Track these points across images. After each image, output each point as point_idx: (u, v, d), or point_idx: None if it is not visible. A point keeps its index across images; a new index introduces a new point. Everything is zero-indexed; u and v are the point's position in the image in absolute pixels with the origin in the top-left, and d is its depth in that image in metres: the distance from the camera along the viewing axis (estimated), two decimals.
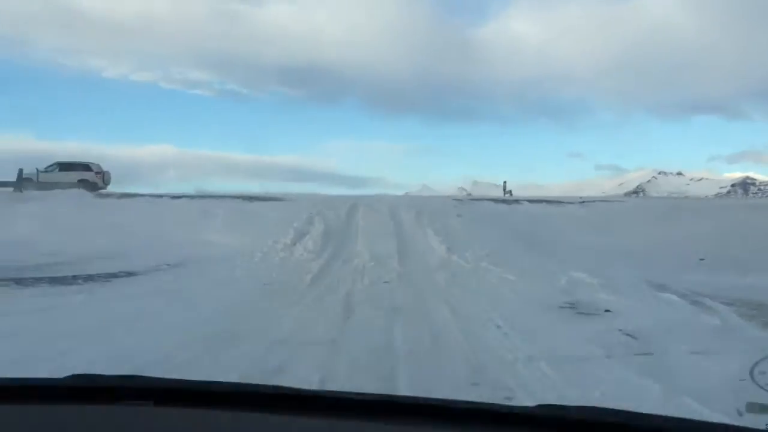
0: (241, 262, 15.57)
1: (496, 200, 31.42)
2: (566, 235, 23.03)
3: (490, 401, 1.78)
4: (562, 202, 30.97)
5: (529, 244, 19.66)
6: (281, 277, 13.41)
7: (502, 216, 26.02)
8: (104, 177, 33.89)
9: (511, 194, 39.97)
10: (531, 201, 30.66)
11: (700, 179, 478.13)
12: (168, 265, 15.34)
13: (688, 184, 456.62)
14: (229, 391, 1.68)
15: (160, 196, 31.07)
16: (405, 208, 24.38)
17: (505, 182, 43.79)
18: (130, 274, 13.85)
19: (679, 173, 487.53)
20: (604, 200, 32.26)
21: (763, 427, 2.09)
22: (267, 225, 21.62)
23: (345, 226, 21.31)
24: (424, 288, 12.31)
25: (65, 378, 1.60)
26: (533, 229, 23.29)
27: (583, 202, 31.12)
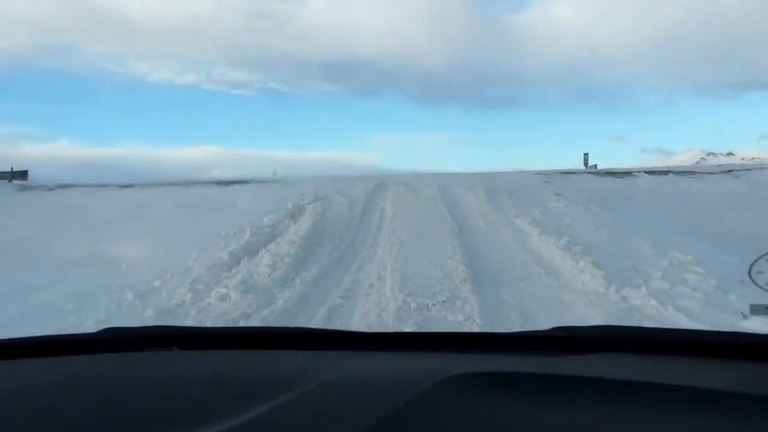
0: (40, 326, 5.62)
1: (597, 173, 21.45)
2: (757, 225, 12.74)
3: None
4: (696, 173, 20.65)
5: (736, 248, 9.38)
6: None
7: (626, 196, 15.90)
8: None
9: (595, 167, 31.69)
10: (650, 172, 20.32)
11: (752, 159, 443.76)
12: None
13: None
14: (252, 333, 1.81)
15: (105, 185, 22.66)
16: (465, 187, 14.30)
17: (586, 155, 34.86)
18: None
19: (730, 153, 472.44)
20: (759, 167, 21.77)
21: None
22: (220, 223, 12.26)
23: (357, 222, 11.41)
24: None
25: (96, 332, 1.66)
26: (696, 217, 13.12)
27: (731, 171, 20.71)
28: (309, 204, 13.08)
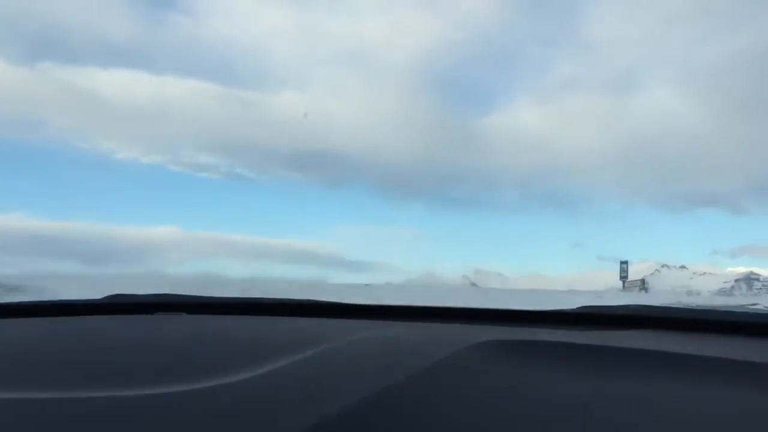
0: None
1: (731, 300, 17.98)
2: None
3: None
4: None
5: None
6: None
7: None
8: None
9: (643, 284, 33.22)
10: None
11: (704, 273, 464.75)
12: None
13: (692, 278, 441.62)
14: (265, 303, 1.73)
15: None
16: None
17: (625, 264, 32.02)
18: None
19: (683, 267, 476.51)
20: None
21: None
22: None
23: None
24: None
25: (104, 298, 1.67)
26: None
27: None
28: None
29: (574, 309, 1.56)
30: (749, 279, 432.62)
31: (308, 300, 1.74)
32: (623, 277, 31.10)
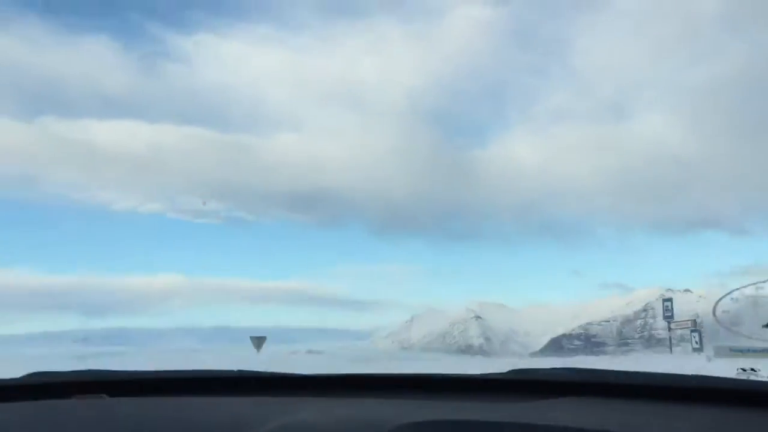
0: None
1: None
2: None
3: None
4: None
5: None
6: None
7: None
8: None
9: (694, 325, 27.26)
10: None
11: (700, 296, 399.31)
12: None
13: (698, 302, 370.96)
14: (187, 377, 1.65)
15: None
16: None
17: (668, 302, 27.66)
18: None
19: (687, 290, 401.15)
20: None
21: (733, 372, 3.58)
22: None
23: None
24: None
25: (22, 377, 1.59)
26: None
27: None
28: None
29: (503, 374, 1.54)
30: None
31: (237, 373, 1.71)
32: (668, 317, 25.65)
